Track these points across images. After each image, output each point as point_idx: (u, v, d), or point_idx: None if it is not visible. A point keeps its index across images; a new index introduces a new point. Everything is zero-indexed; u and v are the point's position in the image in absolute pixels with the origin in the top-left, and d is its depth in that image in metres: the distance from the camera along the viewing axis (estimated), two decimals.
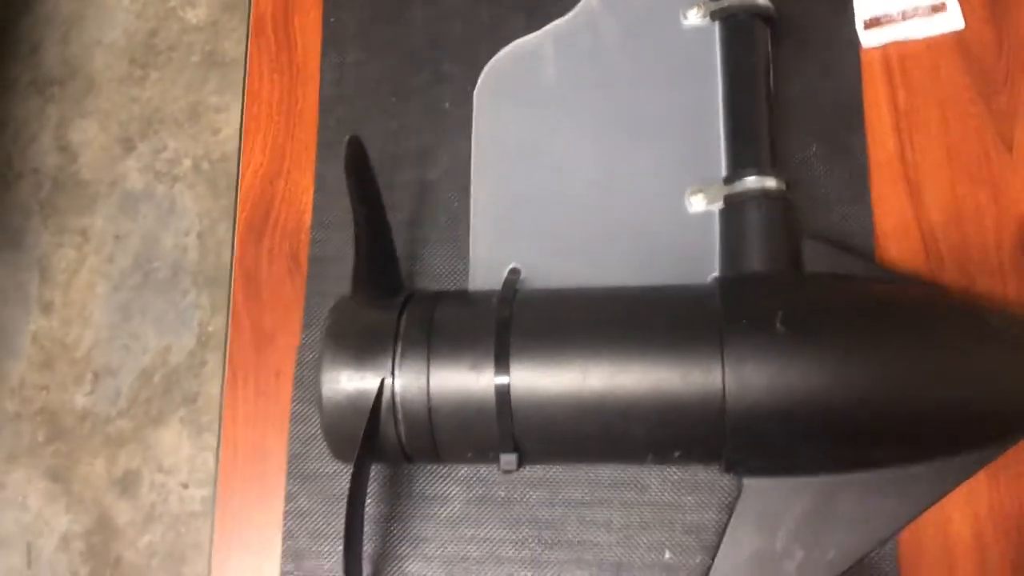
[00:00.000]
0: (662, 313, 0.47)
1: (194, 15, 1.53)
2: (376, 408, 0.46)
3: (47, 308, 1.44)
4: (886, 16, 0.57)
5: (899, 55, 0.57)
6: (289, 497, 0.55)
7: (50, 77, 1.53)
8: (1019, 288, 0.53)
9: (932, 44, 0.57)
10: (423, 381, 0.46)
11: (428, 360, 0.47)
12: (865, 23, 0.57)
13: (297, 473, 0.56)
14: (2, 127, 1.51)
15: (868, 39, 0.57)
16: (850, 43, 0.58)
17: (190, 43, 1.52)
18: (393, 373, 0.47)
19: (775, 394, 0.44)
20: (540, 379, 0.46)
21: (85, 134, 1.50)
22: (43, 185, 1.48)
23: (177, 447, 1.35)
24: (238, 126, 1.45)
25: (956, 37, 0.57)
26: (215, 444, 1.33)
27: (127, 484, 1.35)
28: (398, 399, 0.47)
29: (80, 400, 1.39)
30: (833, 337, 0.44)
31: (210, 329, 1.39)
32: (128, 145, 1.48)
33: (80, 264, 1.44)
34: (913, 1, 0.57)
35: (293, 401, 0.57)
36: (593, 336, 0.46)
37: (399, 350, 0.47)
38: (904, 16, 0.57)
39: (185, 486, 1.34)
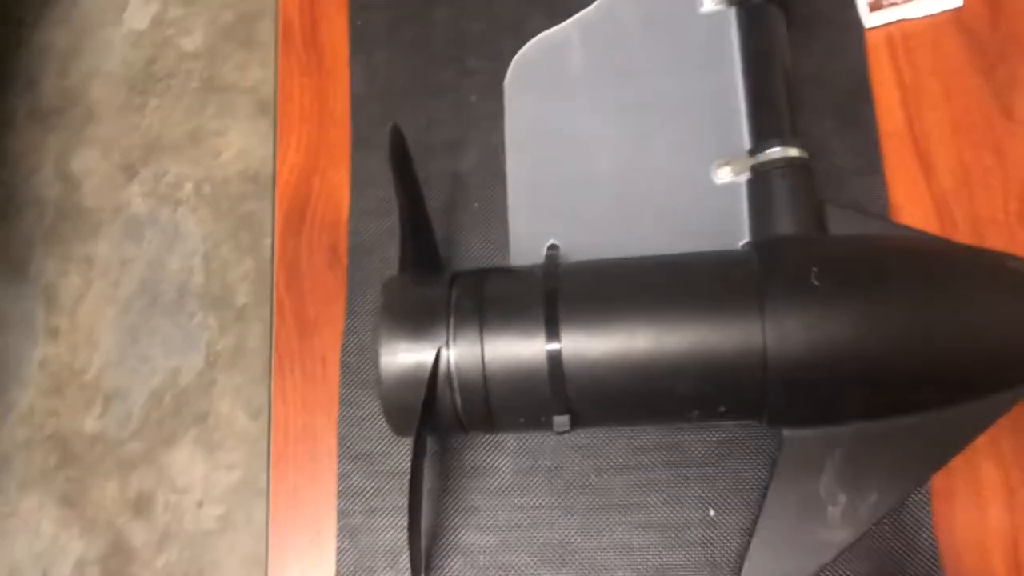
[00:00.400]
0: (702, 275, 0.49)
1: (191, 43, 1.56)
2: (434, 377, 0.49)
3: (54, 334, 1.45)
4: None
5: (902, 34, 0.61)
6: (342, 477, 0.57)
7: (49, 108, 1.55)
8: None
9: (932, 22, 0.61)
10: (477, 350, 0.49)
11: (481, 329, 0.49)
12: (868, 5, 0.61)
13: (348, 454, 0.58)
14: (2, 159, 1.53)
15: (871, 20, 0.61)
16: (855, 25, 0.61)
17: (188, 70, 1.54)
18: (448, 344, 0.49)
19: (814, 345, 0.46)
20: (589, 342, 0.48)
21: (86, 163, 1.52)
22: (46, 215, 1.50)
23: (190, 466, 1.36)
24: (239, 148, 1.48)
25: (954, 15, 0.61)
26: (229, 462, 1.34)
27: (141, 506, 1.36)
28: (454, 368, 0.49)
29: (90, 424, 1.40)
30: (866, 288, 0.47)
31: (218, 349, 1.41)
32: (130, 172, 1.50)
33: (86, 290, 1.46)
34: None
35: (341, 386, 0.59)
36: (637, 299, 0.49)
37: (452, 321, 0.49)
38: None
39: (200, 504, 1.35)
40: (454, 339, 0.49)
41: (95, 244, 1.48)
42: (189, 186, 1.49)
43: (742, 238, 0.53)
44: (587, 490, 0.56)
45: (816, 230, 0.51)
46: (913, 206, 0.58)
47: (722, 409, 0.49)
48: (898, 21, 0.61)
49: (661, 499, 0.55)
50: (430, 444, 0.57)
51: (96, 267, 1.46)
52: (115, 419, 1.39)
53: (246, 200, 1.47)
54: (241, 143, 1.50)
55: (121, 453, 1.38)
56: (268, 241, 1.43)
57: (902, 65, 0.60)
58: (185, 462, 1.36)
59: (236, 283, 1.43)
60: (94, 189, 1.50)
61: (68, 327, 1.45)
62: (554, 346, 0.48)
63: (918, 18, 0.61)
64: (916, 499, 0.53)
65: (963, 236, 0.56)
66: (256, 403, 1.37)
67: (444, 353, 0.49)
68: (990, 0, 0.61)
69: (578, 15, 0.59)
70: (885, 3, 0.61)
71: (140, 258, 1.46)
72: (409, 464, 0.50)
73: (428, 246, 0.56)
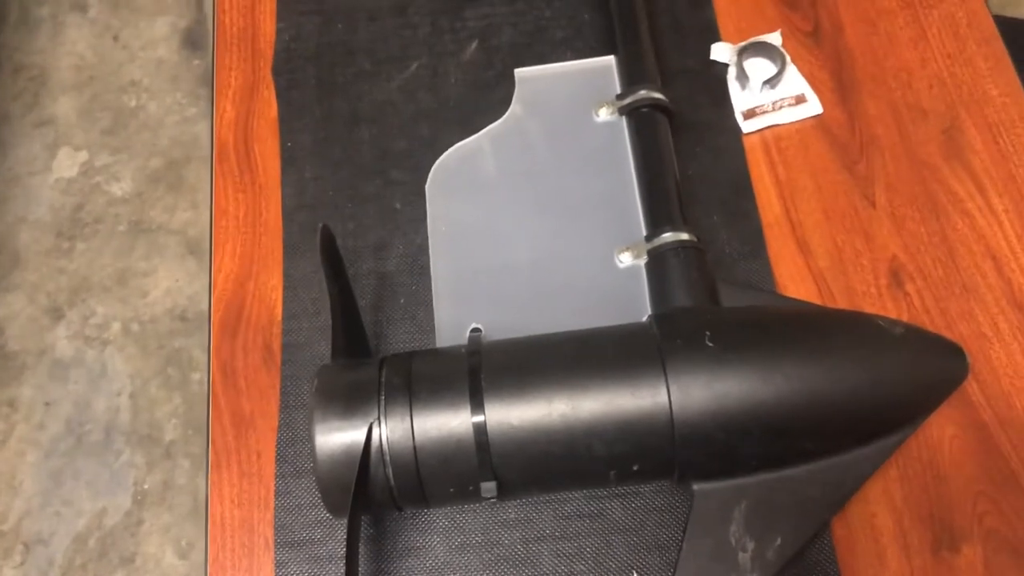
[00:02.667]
0: (610, 344, 0.54)
1: (119, 188, 1.60)
2: (367, 453, 0.52)
3: None
4: (759, 107, 0.69)
5: (774, 137, 0.69)
6: (279, 564, 0.59)
7: None
8: (897, 312, 0.63)
9: (799, 127, 0.69)
10: (407, 425, 0.52)
11: (410, 405, 0.52)
12: (743, 114, 0.69)
13: (284, 542, 0.59)
14: None
15: (747, 127, 0.69)
16: (733, 130, 0.69)
17: (116, 215, 1.58)
18: (380, 420, 0.52)
19: (712, 399, 0.51)
20: (511, 412, 0.52)
21: (11, 307, 1.52)
22: None
23: None
24: (166, 287, 1.50)
25: (817, 120, 0.69)
26: None
27: None
28: (386, 443, 0.52)
29: (9, 574, 1.35)
30: (754, 347, 0.52)
31: (146, 487, 1.39)
32: (56, 314, 1.51)
33: (8, 434, 1.43)
34: (779, 94, 0.69)
35: (276, 477, 0.61)
36: (554, 369, 0.53)
37: (383, 399, 0.53)
38: (774, 106, 0.69)
39: None
40: (385, 416, 0.52)
41: (18, 387, 1.46)
42: (116, 326, 1.50)
43: (645, 313, 0.59)
44: (517, 563, 0.58)
45: (709, 302, 0.57)
46: (796, 284, 0.64)
47: (636, 467, 0.53)
48: (770, 127, 0.69)
49: (587, 566, 0.58)
50: (364, 528, 0.59)
51: (19, 410, 1.45)
52: (36, 567, 1.35)
53: (175, 337, 1.48)
54: (169, 282, 1.53)
55: None
56: (197, 376, 1.45)
57: (776, 164, 0.68)
58: None
59: (164, 420, 1.43)
60: (18, 333, 1.50)
61: None
62: (479, 417, 0.52)
63: (787, 124, 0.69)
64: (821, 547, 0.57)
65: (841, 308, 0.63)
66: (185, 541, 1.35)
67: (376, 430, 0.52)
68: (846, 107, 0.70)
69: (488, 128, 0.66)
70: (758, 111, 0.69)
71: (65, 399, 1.45)
72: (344, 548, 0.52)
73: (358, 336, 0.60)
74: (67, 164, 1.63)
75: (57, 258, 1.55)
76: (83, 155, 1.64)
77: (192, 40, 1.73)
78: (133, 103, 1.68)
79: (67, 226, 1.58)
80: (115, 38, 1.75)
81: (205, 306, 1.48)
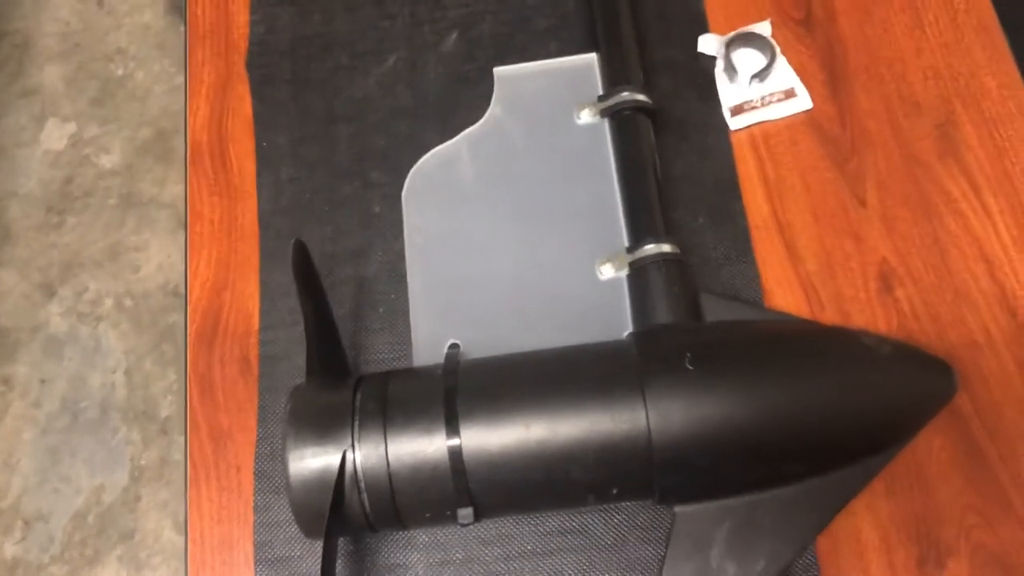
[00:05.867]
0: (588, 366, 0.53)
1: (108, 160, 1.58)
2: (340, 479, 0.51)
3: None
4: (747, 103, 0.67)
5: (763, 134, 0.67)
6: None
7: None
8: (886, 318, 0.61)
9: (788, 123, 0.67)
10: (382, 450, 0.51)
11: (385, 430, 0.51)
12: (731, 110, 0.67)
13: (264, 559, 0.59)
14: None
15: (735, 123, 0.67)
16: (720, 128, 0.67)
17: (106, 187, 1.56)
18: (353, 446, 0.51)
19: (692, 424, 0.50)
20: (488, 436, 0.51)
21: (3, 283, 1.51)
22: None
23: None
24: (158, 262, 1.49)
25: (807, 116, 0.67)
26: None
27: None
28: (360, 469, 0.51)
29: (9, 550, 1.36)
30: (735, 369, 0.51)
31: (143, 463, 1.39)
32: (49, 290, 1.50)
33: (4, 412, 1.43)
34: (769, 88, 0.67)
35: (255, 492, 0.61)
36: (531, 392, 0.52)
37: (357, 424, 0.52)
38: (763, 102, 0.67)
39: None
40: (359, 441, 0.51)
41: (13, 365, 1.46)
42: (109, 302, 1.49)
43: (627, 328, 0.57)
44: None
45: (691, 318, 0.56)
46: (783, 290, 0.63)
47: (615, 491, 0.52)
48: (759, 123, 0.67)
49: None
50: (344, 543, 0.58)
51: (14, 388, 1.44)
52: (36, 543, 1.36)
53: (168, 313, 1.48)
54: (161, 257, 1.51)
55: None
56: None
57: (765, 162, 0.66)
58: None
59: (159, 396, 1.43)
60: (11, 309, 1.49)
61: None
62: (454, 441, 0.51)
63: (776, 120, 0.67)
64: (804, 563, 0.56)
65: (829, 315, 0.61)
66: (183, 515, 1.35)
67: (350, 455, 0.51)
68: (837, 101, 0.67)
69: (467, 131, 0.64)
70: (746, 107, 0.67)
71: (60, 376, 1.45)
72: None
73: (335, 352, 0.59)
74: (55, 136, 1.61)
75: (48, 233, 1.54)
76: (71, 126, 1.61)
77: (177, 5, 1.69)
78: (120, 72, 1.65)
79: (57, 200, 1.56)
80: (99, 3, 1.71)
81: None
